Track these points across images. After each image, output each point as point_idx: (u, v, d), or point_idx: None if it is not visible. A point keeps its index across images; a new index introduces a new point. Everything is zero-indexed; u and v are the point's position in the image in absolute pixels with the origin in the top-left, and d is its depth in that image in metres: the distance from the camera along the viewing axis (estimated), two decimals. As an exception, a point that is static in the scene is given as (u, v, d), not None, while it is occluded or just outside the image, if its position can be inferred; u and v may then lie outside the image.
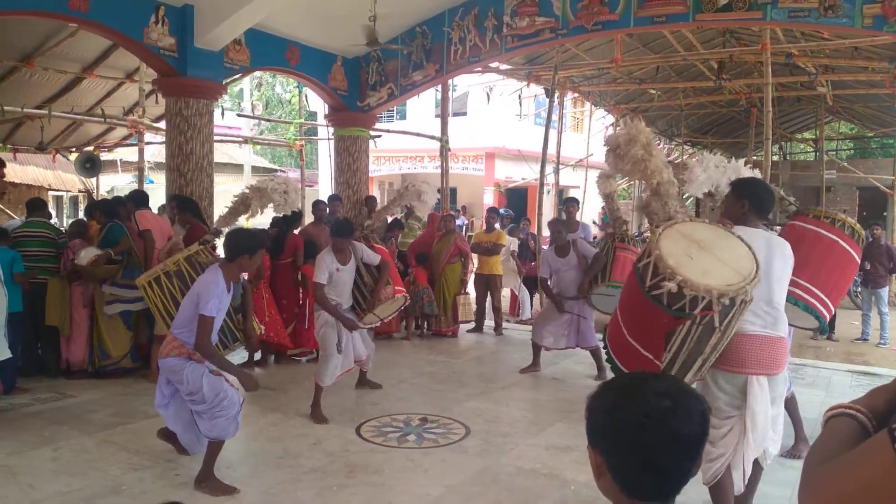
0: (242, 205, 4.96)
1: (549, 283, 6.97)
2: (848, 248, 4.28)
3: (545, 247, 7.79)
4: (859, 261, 4.47)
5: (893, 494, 0.88)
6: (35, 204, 7.00)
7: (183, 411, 4.21)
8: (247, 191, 5.05)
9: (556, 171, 13.21)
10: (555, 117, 12.61)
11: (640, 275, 3.18)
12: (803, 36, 10.51)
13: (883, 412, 1.09)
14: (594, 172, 16.37)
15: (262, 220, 7.60)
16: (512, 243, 10.31)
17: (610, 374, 6.77)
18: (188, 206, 6.61)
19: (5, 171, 3.52)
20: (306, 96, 14.79)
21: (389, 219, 9.30)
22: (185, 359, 4.04)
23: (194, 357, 4.03)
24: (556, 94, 12.84)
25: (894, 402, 1.10)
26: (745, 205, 3.50)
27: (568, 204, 8.38)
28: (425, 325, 9.13)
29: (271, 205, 5.59)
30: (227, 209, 5.72)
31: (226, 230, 5.50)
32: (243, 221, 5.36)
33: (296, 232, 7.70)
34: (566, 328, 6.89)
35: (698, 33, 11.23)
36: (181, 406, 4.19)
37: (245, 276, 5.04)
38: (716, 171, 5.14)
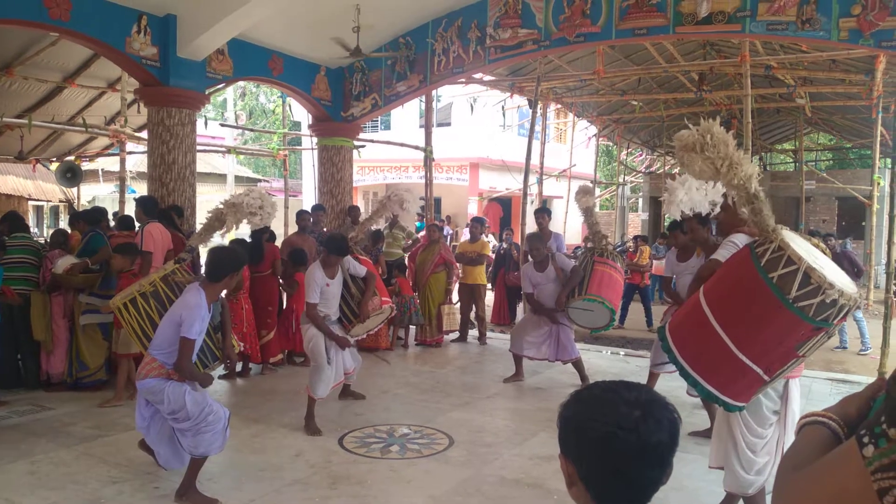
0: (217, 221, 4.84)
1: (534, 297, 6.96)
2: None
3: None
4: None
5: (863, 501, 0.89)
6: (15, 218, 6.91)
7: (164, 430, 4.14)
8: (221, 206, 4.92)
9: (540, 182, 13.27)
10: (538, 128, 12.68)
11: (774, 286, 3.02)
12: (782, 48, 10.69)
13: (854, 420, 1.11)
14: (577, 183, 16.48)
15: (243, 230, 7.57)
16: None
17: (535, 381, 6.81)
18: (163, 215, 6.56)
19: None
20: (290, 106, 14.74)
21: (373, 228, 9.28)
22: (164, 379, 3.97)
23: (173, 376, 3.97)
24: (539, 105, 12.93)
25: (865, 409, 1.12)
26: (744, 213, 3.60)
27: (538, 214, 8.40)
28: (408, 336, 9.11)
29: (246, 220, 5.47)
30: (201, 226, 5.61)
31: (201, 248, 5.43)
32: (218, 238, 5.21)
33: (274, 243, 7.70)
34: (545, 338, 6.90)
35: (679, 45, 11.38)
36: (162, 425, 4.13)
37: (223, 292, 4.99)
38: (697, 193, 5.18)
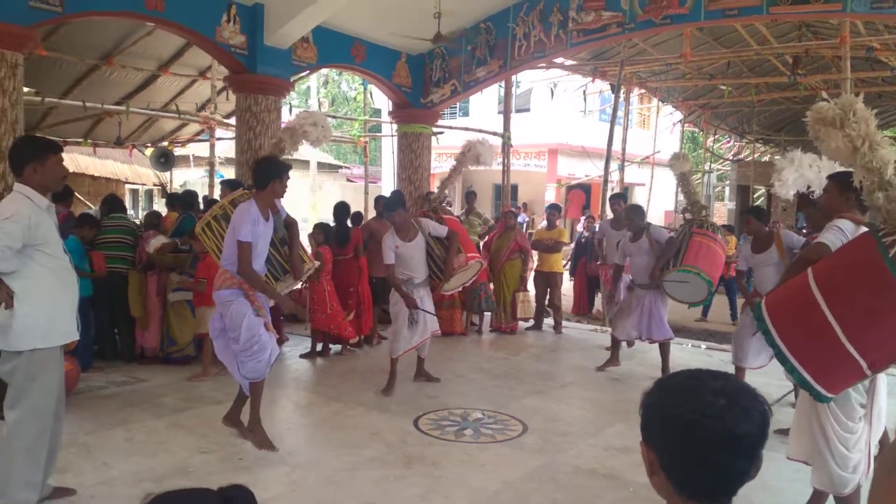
0: (277, 149, 5.06)
1: (620, 270, 6.98)
2: None
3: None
4: None
5: None
6: (113, 200, 7.31)
7: (229, 345, 4.44)
8: (281, 135, 5.10)
9: (622, 169, 12.99)
10: (620, 113, 12.40)
11: None
12: (886, 28, 10.03)
13: None
14: (660, 170, 16.02)
15: (326, 215, 7.76)
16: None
17: (612, 372, 6.65)
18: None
19: (63, 156, 3.67)
20: (371, 94, 14.95)
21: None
22: (237, 291, 4.26)
23: (245, 289, 4.25)
24: (622, 90, 12.64)
25: None
26: (850, 197, 3.44)
27: (613, 201, 8.23)
28: (483, 322, 9.12)
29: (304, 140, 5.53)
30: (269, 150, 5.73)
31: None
32: (310, 215, 5.45)
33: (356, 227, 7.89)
34: (640, 317, 6.70)
35: (772, 27, 10.84)
36: (227, 340, 4.42)
37: (315, 264, 5.15)
38: (810, 171, 4.86)
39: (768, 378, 6.32)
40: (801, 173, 4.63)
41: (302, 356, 7.24)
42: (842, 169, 4.07)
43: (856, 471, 3.39)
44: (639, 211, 6.98)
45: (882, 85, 13.68)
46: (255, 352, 4.28)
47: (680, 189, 7.07)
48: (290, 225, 4.83)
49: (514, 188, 20.39)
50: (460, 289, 6.79)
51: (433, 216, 6.31)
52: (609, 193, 10.04)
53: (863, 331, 2.98)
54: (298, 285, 5.22)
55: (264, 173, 4.40)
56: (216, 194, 9.29)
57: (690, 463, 1.18)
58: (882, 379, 3.45)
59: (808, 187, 4.50)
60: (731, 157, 22.71)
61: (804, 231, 11.30)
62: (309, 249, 7.66)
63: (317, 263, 5.41)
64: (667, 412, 1.20)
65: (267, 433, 4.54)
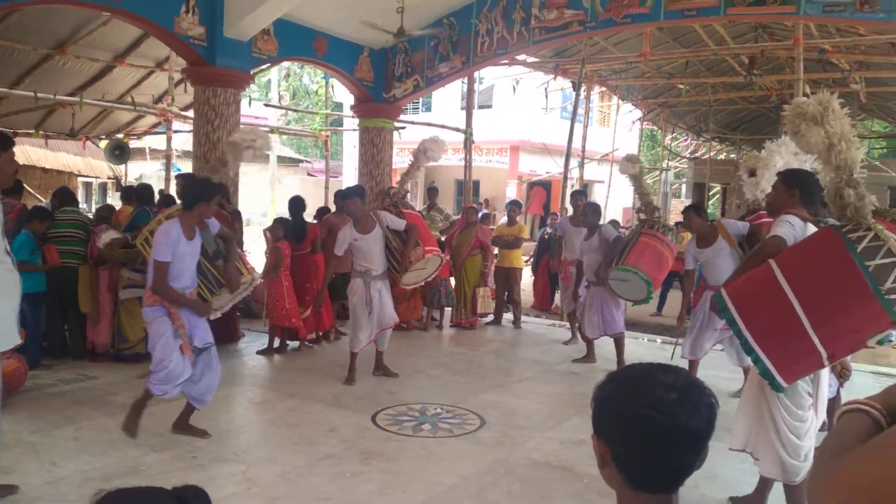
0: (220, 162, 5.13)
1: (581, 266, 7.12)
2: None
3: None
4: None
5: None
6: (64, 193, 7.12)
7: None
8: (224, 150, 5.22)
9: (581, 166, 13.12)
10: (581, 111, 12.52)
11: (869, 275, 3.00)
12: (838, 31, 10.31)
13: None
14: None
15: (286, 209, 7.68)
16: None
17: (570, 367, 6.77)
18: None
19: (13, 151, 3.58)
20: (333, 87, 14.83)
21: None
22: (160, 309, 4.31)
23: (167, 306, 4.30)
24: (583, 88, 12.76)
25: None
26: (795, 194, 3.56)
27: (575, 197, 8.35)
28: (443, 318, 9.14)
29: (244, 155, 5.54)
30: (208, 169, 5.79)
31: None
32: (270, 210, 5.57)
33: (314, 221, 7.82)
34: (595, 312, 6.89)
35: (729, 28, 11.06)
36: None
37: (254, 276, 5.14)
38: (794, 159, 4.97)
39: (717, 371, 6.47)
40: (786, 161, 4.77)
41: (259, 352, 7.15)
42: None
43: (807, 459, 3.49)
44: (596, 209, 7.11)
45: (833, 86, 14.05)
46: (161, 378, 4.34)
47: (634, 190, 7.17)
48: (225, 238, 4.90)
49: (476, 184, 20.45)
50: (422, 284, 6.82)
51: (393, 210, 6.32)
52: (569, 190, 10.14)
53: (828, 322, 3.11)
54: (237, 299, 5.14)
55: (192, 195, 4.46)
56: (172, 189, 9.11)
57: (640, 456, 1.19)
58: (825, 368, 3.55)
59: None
60: (688, 156, 23.13)
61: None
62: (265, 245, 7.58)
63: (256, 275, 5.31)
64: (618, 406, 1.21)
65: (216, 428, 4.51)
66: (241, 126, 5.41)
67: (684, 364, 5.84)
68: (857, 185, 3.11)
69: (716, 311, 3.72)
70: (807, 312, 3.11)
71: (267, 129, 14.99)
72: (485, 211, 12.02)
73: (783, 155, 5.28)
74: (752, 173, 5.99)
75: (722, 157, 24.02)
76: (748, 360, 4.07)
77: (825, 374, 3.59)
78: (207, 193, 4.47)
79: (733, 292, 3.45)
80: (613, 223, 9.61)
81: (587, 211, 7.08)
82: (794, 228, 3.44)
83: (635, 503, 1.22)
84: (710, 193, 22.59)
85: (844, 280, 3.07)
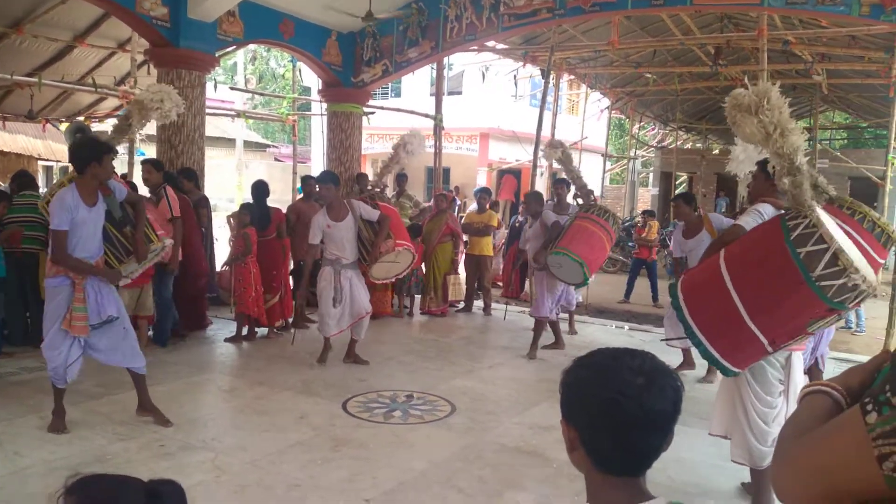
0: (125, 120, 4.90)
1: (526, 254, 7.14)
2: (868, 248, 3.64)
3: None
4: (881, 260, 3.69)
5: (863, 466, 0.89)
6: (23, 176, 6.93)
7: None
8: (130, 108, 4.98)
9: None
10: (550, 99, 12.55)
11: (800, 261, 3.01)
12: (801, 23, 10.48)
13: (857, 390, 1.11)
14: (589, 155, 16.30)
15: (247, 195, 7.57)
16: None
17: (539, 354, 6.87)
18: (169, 178, 6.60)
19: None
20: (300, 71, 14.62)
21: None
22: (64, 279, 4.20)
23: (72, 276, 4.19)
24: (552, 76, 12.77)
25: (869, 380, 1.12)
26: (774, 183, 3.58)
27: (556, 185, 8.34)
28: (413, 305, 9.14)
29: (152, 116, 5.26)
30: (112, 127, 5.58)
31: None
32: (236, 195, 5.36)
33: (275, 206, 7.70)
34: (550, 299, 6.97)
35: (696, 17, 11.17)
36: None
37: (165, 242, 4.97)
38: (754, 151, 5.12)
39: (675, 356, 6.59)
40: (748, 154, 4.87)
41: (227, 340, 7.08)
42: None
43: (773, 444, 3.58)
44: (538, 197, 7.13)
45: (796, 77, 14.31)
46: (46, 354, 4.29)
47: (566, 175, 7.24)
48: (133, 203, 4.72)
49: (447, 171, 20.41)
50: (393, 279, 6.77)
51: (369, 202, 6.29)
52: (538, 179, 10.17)
53: (763, 309, 3.15)
54: (145, 266, 4.91)
55: (81, 157, 4.21)
56: (136, 175, 8.91)
57: (608, 439, 1.21)
58: (798, 356, 3.64)
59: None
60: (655, 145, 23.39)
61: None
62: (230, 232, 7.45)
63: (167, 241, 5.10)
64: (586, 391, 1.22)
65: (184, 417, 4.48)
66: (151, 85, 5.13)
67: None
68: (797, 172, 3.16)
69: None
70: (741, 298, 3.16)
71: (233, 112, 14.80)
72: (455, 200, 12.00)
73: (745, 149, 5.39)
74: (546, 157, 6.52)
75: (689, 146, 24.34)
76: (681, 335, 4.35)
77: (798, 363, 3.65)
78: (98, 152, 4.22)
79: (685, 282, 3.53)
80: None
81: (530, 200, 7.12)
82: (761, 216, 3.50)
83: (604, 486, 1.24)
84: (677, 182, 22.87)
85: (778, 267, 3.11)
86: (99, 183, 4.30)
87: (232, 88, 19.56)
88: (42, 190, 14.55)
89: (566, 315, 8.16)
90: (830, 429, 0.99)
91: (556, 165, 7.31)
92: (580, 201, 6.95)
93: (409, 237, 8.76)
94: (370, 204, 6.26)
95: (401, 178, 10.06)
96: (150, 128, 11.83)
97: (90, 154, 4.20)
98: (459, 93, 22.23)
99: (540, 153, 9.53)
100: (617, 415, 1.18)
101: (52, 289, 4.23)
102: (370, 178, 7.23)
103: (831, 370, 6.98)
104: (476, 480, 3.99)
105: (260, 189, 7.42)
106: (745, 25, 11.82)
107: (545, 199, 8.10)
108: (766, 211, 3.51)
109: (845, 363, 7.31)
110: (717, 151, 22.49)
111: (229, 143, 24.65)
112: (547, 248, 6.58)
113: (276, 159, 28.81)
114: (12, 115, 12.77)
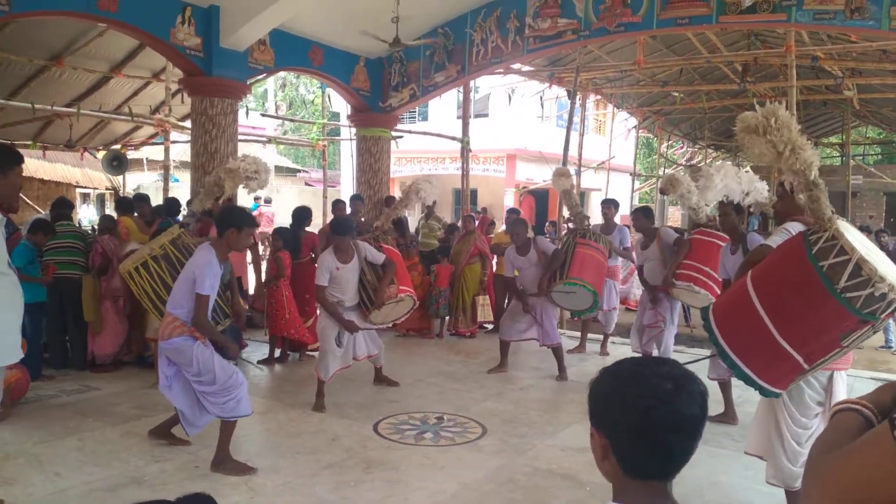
0: (216, 186, 5.06)
1: (515, 282, 6.95)
2: None
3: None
4: None
5: (892, 481, 0.90)
6: (63, 205, 7.14)
7: (188, 390, 4.32)
8: (221, 175, 5.14)
9: (578, 174, 13.17)
10: (576, 119, 12.59)
11: (823, 275, 2.99)
12: (829, 38, 10.41)
13: (889, 407, 1.11)
14: (617, 175, 16.27)
15: (284, 220, 7.69)
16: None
17: (569, 374, 6.83)
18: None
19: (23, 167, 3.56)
20: (329, 97, 14.88)
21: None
22: (190, 338, 4.15)
23: (197, 336, 4.16)
24: (578, 96, 12.83)
25: None
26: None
27: (604, 206, 8.15)
28: (443, 326, 9.15)
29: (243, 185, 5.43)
30: (201, 190, 5.74)
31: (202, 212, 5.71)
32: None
33: (310, 230, 7.78)
34: (531, 324, 6.91)
35: (722, 35, 11.16)
36: (185, 385, 4.31)
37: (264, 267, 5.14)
38: (732, 180, 5.26)
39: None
40: (726, 182, 5.01)
41: (260, 362, 7.16)
42: (762, 185, 4.26)
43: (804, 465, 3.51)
44: (522, 224, 7.03)
45: (826, 93, 14.17)
46: (231, 386, 4.19)
47: (563, 201, 7.34)
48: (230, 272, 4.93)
49: (474, 193, 20.50)
50: (390, 325, 6.53)
51: (373, 244, 6.08)
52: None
53: (792, 325, 3.11)
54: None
55: (224, 222, 4.25)
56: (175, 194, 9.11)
57: (644, 445, 1.24)
58: (840, 377, 3.55)
59: (727, 197, 4.97)
60: (684, 163, 23.22)
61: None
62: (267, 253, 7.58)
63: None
64: (621, 398, 1.26)
65: (216, 440, 4.41)
66: (244, 155, 5.30)
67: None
68: (814, 187, 3.17)
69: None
70: (770, 316, 3.14)
71: (264, 139, 15.08)
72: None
73: (724, 178, 5.60)
74: (664, 192, 6.59)
75: (713, 167, 24.10)
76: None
77: (841, 384, 3.56)
78: (241, 222, 4.23)
79: (717, 306, 3.51)
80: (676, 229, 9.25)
81: (515, 228, 6.91)
82: (789, 235, 3.48)
83: (636, 493, 1.26)
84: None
85: (803, 282, 3.09)
86: (227, 250, 4.29)
87: (263, 115, 19.95)
88: (83, 217, 14.86)
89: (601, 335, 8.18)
90: (860, 445, 1.00)
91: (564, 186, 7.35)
92: (572, 225, 7.00)
93: (442, 259, 8.84)
94: (375, 246, 6.03)
95: (428, 201, 10.13)
96: (185, 154, 12.09)
97: (234, 222, 4.22)
98: (486, 115, 22.38)
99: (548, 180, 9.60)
100: (652, 420, 1.22)
101: (179, 348, 4.16)
102: (382, 215, 7.20)
103: (868, 390, 6.83)
104: (507, 503, 3.97)
105: (298, 217, 7.54)
106: (773, 42, 11.78)
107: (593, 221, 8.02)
108: (794, 228, 3.48)
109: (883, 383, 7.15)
110: (748, 169, 22.24)
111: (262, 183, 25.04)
112: (553, 278, 6.54)
113: (306, 184, 29.18)
114: (52, 145, 13.16)
